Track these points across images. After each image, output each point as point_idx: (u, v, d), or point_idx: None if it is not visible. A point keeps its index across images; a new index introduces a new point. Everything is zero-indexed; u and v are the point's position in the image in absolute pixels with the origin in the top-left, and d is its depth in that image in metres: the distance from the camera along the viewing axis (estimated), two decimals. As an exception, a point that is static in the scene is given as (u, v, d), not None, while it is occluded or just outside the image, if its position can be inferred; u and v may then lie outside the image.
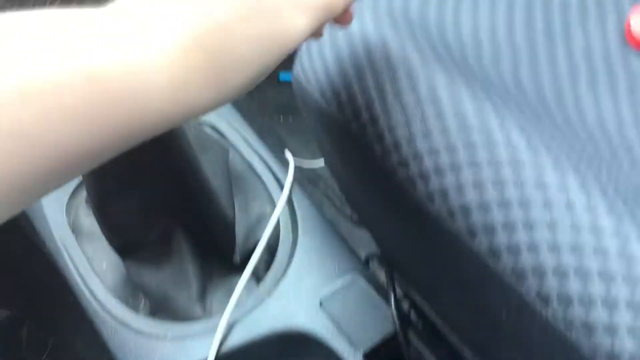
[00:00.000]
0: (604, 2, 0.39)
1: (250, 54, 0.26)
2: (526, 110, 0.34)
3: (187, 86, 0.24)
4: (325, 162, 0.50)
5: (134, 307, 0.46)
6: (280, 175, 0.54)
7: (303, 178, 0.64)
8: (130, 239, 0.46)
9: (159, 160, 0.43)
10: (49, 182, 0.22)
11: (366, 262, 0.48)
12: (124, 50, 0.23)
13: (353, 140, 0.37)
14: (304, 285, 0.44)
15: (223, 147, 0.52)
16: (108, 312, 0.46)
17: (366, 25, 0.39)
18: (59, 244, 0.50)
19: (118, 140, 0.24)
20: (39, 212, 0.52)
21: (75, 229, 0.51)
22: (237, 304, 0.44)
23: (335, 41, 0.39)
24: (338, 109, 0.37)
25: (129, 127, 0.24)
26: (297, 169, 0.56)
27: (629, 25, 0.37)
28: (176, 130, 0.43)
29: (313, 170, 0.85)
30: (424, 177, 0.32)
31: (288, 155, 0.55)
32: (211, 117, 0.57)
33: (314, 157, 0.80)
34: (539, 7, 0.39)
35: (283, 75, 1.09)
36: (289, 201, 0.50)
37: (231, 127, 0.57)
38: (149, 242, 0.46)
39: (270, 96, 1.06)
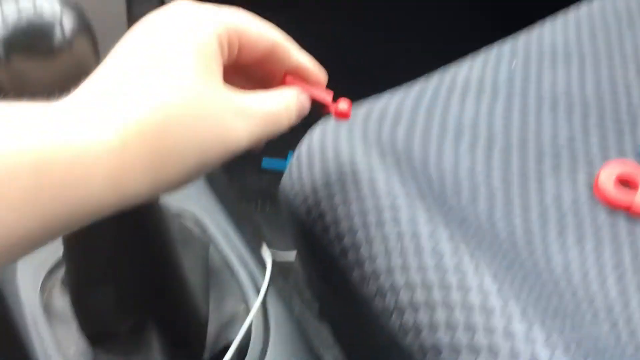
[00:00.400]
0: (577, 155, 0.42)
1: (190, 152, 0.27)
2: (499, 254, 0.36)
3: (126, 177, 0.26)
4: (301, 266, 0.51)
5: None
6: (256, 272, 0.55)
7: (275, 268, 0.65)
8: (102, 329, 0.46)
9: (141, 254, 0.44)
10: None
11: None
12: (67, 140, 0.24)
13: (333, 260, 0.39)
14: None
15: (204, 242, 0.53)
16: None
17: (355, 151, 0.41)
18: (30, 322, 0.50)
19: (56, 226, 0.25)
20: (13, 287, 0.52)
21: (48, 309, 0.51)
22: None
23: (325, 162, 0.41)
24: (322, 230, 0.39)
25: (69, 214, 0.25)
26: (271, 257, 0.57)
27: (597, 180, 0.41)
28: (159, 226, 0.44)
29: (284, 263, 0.86)
30: (400, 310, 0.33)
31: (265, 254, 0.57)
32: (194, 208, 0.59)
33: (288, 247, 0.82)
34: (515, 153, 0.42)
35: (265, 162, 1.12)
36: (263, 302, 0.51)
37: (212, 219, 0.58)
38: (120, 333, 0.46)
39: (250, 182, 1.08)
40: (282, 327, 0.50)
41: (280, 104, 0.31)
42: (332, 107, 0.34)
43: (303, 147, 0.44)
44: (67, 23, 0.31)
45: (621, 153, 0.43)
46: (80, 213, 0.25)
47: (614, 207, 0.40)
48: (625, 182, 0.41)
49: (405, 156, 0.42)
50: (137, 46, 0.29)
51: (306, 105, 0.34)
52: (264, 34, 0.32)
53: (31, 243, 0.24)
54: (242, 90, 0.30)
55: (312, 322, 0.74)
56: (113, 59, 0.29)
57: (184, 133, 0.27)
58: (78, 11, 0.32)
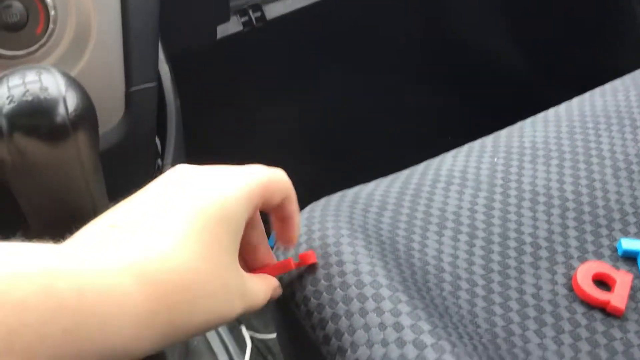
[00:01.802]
0: (555, 252, 0.43)
1: (194, 325, 0.28)
2: (479, 348, 0.36)
3: (146, 334, 0.26)
4: (281, 351, 0.51)
5: None
6: (235, 353, 0.55)
7: (254, 348, 0.64)
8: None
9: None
10: None
11: None
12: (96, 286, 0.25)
13: (315, 346, 0.39)
14: None
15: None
16: None
17: (341, 237, 0.42)
18: None
19: None
20: None
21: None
22: None
23: (311, 246, 0.42)
24: (306, 315, 0.39)
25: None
26: (250, 339, 0.57)
27: (575, 278, 0.42)
28: None
29: (263, 341, 0.85)
30: (379, 402, 0.33)
31: (245, 334, 0.57)
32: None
33: (267, 328, 0.81)
34: (496, 247, 0.44)
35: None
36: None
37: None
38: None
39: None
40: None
41: (266, 291, 0.35)
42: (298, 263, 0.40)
43: (290, 230, 0.45)
44: (71, 100, 0.32)
45: (597, 254, 0.44)
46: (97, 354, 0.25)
47: (591, 305, 0.41)
48: (601, 282, 0.42)
49: (390, 245, 0.43)
50: (178, 207, 0.30)
51: (279, 292, 0.38)
52: (283, 186, 0.35)
53: None
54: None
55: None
56: (145, 204, 0.30)
57: (202, 296, 0.28)
58: (81, 90, 0.34)
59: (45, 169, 0.33)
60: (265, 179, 0.33)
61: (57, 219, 0.36)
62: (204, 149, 1.20)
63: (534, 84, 1.26)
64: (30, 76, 0.32)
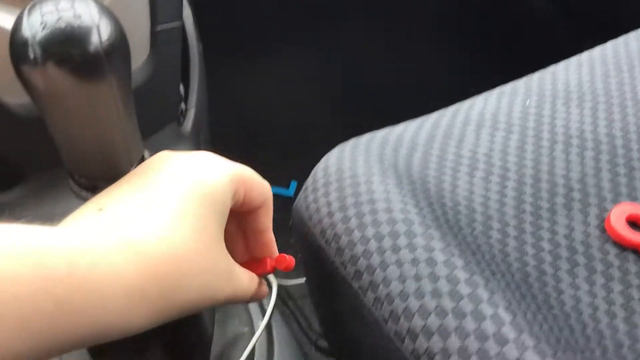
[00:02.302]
0: (588, 195, 0.43)
1: (185, 302, 0.28)
2: (511, 285, 0.36)
3: (138, 308, 0.26)
4: (309, 288, 0.51)
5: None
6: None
7: (278, 292, 0.65)
8: (106, 346, 0.46)
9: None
10: None
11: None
12: (86, 262, 0.25)
13: (346, 282, 0.39)
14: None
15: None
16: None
17: (372, 176, 0.42)
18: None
19: (62, 345, 0.25)
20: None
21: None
22: None
23: (342, 186, 0.42)
24: (337, 251, 0.39)
25: (80, 337, 0.25)
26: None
27: (608, 219, 0.41)
28: None
29: (285, 287, 0.86)
30: (413, 335, 0.34)
31: (271, 277, 0.57)
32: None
33: (289, 275, 0.82)
34: (528, 189, 0.43)
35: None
36: (268, 324, 0.51)
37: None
38: (123, 348, 0.46)
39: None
40: (286, 350, 0.50)
41: (251, 284, 0.34)
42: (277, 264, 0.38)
43: (319, 169, 0.44)
44: (104, 29, 0.32)
45: (631, 197, 0.43)
46: (91, 333, 0.26)
47: (624, 246, 0.40)
48: (635, 223, 0.42)
49: (421, 184, 0.42)
50: (168, 184, 0.30)
51: (263, 292, 0.37)
52: (264, 189, 0.35)
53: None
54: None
55: (309, 351, 0.74)
56: (131, 187, 0.31)
57: (192, 271, 0.28)
58: (115, 20, 0.33)
59: (78, 98, 0.32)
60: (249, 173, 0.34)
61: (90, 154, 0.36)
62: (224, 97, 1.19)
63: (562, 34, 1.23)
64: (63, 3, 0.32)
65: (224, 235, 0.32)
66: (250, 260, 0.37)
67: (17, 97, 0.53)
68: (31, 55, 0.31)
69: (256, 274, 0.36)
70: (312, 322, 0.83)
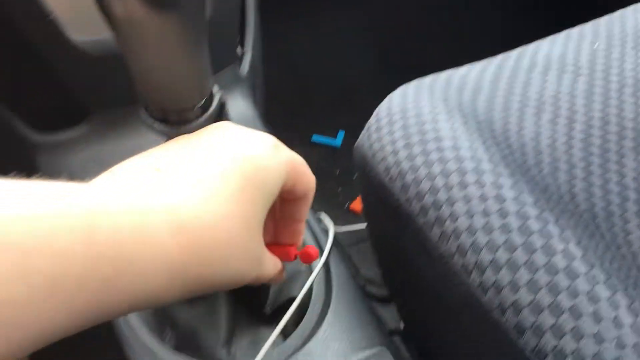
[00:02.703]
0: (659, 137, 0.42)
1: (218, 280, 0.28)
2: (580, 223, 0.36)
3: (176, 285, 0.26)
4: (370, 227, 0.52)
5: (160, 337, 0.47)
6: (318, 234, 0.56)
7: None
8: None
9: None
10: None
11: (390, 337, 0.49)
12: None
13: (411, 219, 0.39)
14: (332, 349, 0.45)
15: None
16: (136, 337, 0.47)
17: (438, 115, 0.42)
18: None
19: (103, 313, 0.25)
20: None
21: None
22: (264, 357, 0.45)
23: (406, 124, 0.42)
24: (401, 188, 0.40)
25: (116, 310, 0.25)
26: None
27: (680, 163, 0.40)
28: None
29: (337, 239, 0.87)
30: (480, 269, 0.34)
31: (326, 218, 0.58)
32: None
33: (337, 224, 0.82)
34: (596, 131, 0.42)
35: (315, 137, 1.12)
36: (326, 264, 0.52)
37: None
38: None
39: (299, 153, 1.09)
40: (344, 288, 0.51)
41: (274, 269, 0.34)
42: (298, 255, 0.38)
43: (382, 108, 0.44)
44: None
45: (703, 140, 0.43)
46: (128, 302, 0.25)
47: (695, 191, 0.40)
48: None
49: (487, 125, 0.42)
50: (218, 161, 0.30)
51: (281, 277, 0.37)
52: (310, 181, 0.34)
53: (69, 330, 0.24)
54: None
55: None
56: (186, 154, 0.30)
57: (232, 255, 0.28)
58: None
59: (155, 26, 0.33)
60: (301, 163, 0.33)
61: (164, 83, 0.36)
62: (277, 46, 1.19)
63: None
64: None
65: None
66: (275, 244, 0.38)
67: (84, 34, 0.53)
68: (112, -17, 0.31)
69: (279, 257, 0.36)
70: (359, 269, 0.84)
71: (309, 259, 0.40)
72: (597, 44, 0.49)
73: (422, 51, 1.21)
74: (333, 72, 1.20)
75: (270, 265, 0.33)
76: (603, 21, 0.53)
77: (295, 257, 0.38)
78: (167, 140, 0.39)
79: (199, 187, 0.28)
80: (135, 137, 0.56)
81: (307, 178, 0.34)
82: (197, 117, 0.39)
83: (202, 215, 0.27)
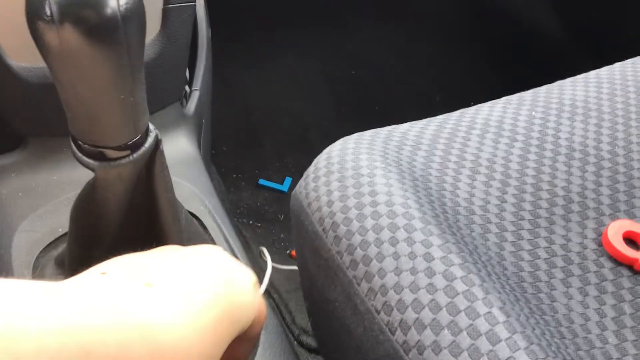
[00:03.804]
0: (587, 207, 0.43)
1: None
2: (506, 287, 0.36)
3: None
4: (302, 275, 0.51)
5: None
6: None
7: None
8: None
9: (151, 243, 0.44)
10: None
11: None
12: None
13: (341, 271, 0.39)
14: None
15: (206, 240, 0.53)
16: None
17: (375, 169, 0.42)
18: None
19: None
20: (5, 262, 0.51)
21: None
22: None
23: (343, 176, 0.42)
24: (334, 239, 0.39)
25: None
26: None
27: (605, 233, 0.41)
28: (174, 219, 0.44)
29: (271, 280, 0.86)
30: (404, 327, 0.33)
31: (266, 257, 0.57)
32: (198, 211, 0.58)
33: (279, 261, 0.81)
34: (528, 196, 0.43)
35: (261, 181, 1.12)
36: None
37: (215, 222, 0.58)
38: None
39: (245, 197, 1.08)
40: (271, 340, 0.49)
41: None
42: None
43: (322, 158, 0.44)
44: None
45: (629, 214, 0.44)
46: None
47: (619, 261, 0.41)
48: (631, 240, 0.42)
49: (423, 182, 0.42)
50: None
51: None
52: (262, 324, 0.33)
53: None
54: None
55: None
56: (171, 272, 0.29)
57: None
58: None
59: (91, 60, 0.32)
60: (265, 309, 0.33)
61: (97, 118, 0.35)
62: (227, 86, 1.19)
63: (570, 56, 1.24)
64: None
65: None
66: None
67: (23, 60, 0.52)
68: (47, 12, 0.31)
69: None
70: (295, 317, 0.82)
71: None
72: (534, 111, 0.51)
73: (377, 102, 1.23)
74: (283, 116, 1.20)
75: None
76: (542, 90, 0.54)
77: None
78: (95, 175, 0.38)
79: (187, 307, 0.27)
80: (69, 168, 0.54)
81: (262, 321, 0.33)
82: (129, 154, 0.38)
83: (180, 338, 0.26)
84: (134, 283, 0.28)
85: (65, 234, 0.52)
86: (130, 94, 0.35)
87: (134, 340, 0.25)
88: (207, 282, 0.29)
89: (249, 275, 0.32)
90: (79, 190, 0.41)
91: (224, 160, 1.11)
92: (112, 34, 0.32)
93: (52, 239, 0.52)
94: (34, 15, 0.31)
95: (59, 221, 0.53)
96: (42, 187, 0.54)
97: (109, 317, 0.25)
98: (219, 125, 0.83)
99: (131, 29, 0.33)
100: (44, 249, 0.52)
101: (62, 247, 0.51)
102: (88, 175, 0.39)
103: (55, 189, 0.53)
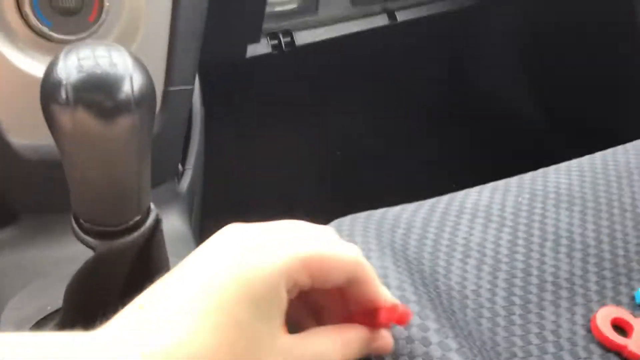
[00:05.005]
0: (575, 294, 0.44)
1: None
2: (501, 374, 0.37)
3: None
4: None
5: None
6: None
7: None
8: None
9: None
10: None
11: None
12: None
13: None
14: None
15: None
16: None
17: (370, 250, 0.43)
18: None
19: None
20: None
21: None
22: None
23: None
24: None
25: None
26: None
27: (594, 320, 0.42)
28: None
29: None
30: (402, 413, 0.34)
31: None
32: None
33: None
34: (518, 281, 0.44)
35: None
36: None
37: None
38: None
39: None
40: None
41: (338, 349, 0.31)
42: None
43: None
44: (137, 80, 0.33)
45: (616, 301, 0.45)
46: None
47: (608, 348, 0.41)
48: (619, 327, 0.43)
49: (416, 265, 0.43)
50: (196, 285, 0.28)
51: (370, 341, 0.33)
52: (345, 266, 0.30)
53: None
54: (292, 335, 0.30)
55: None
56: (165, 289, 0.29)
57: None
58: (146, 72, 0.34)
59: (102, 142, 0.33)
60: (318, 253, 0.30)
61: (102, 198, 0.36)
62: (219, 160, 1.20)
63: (548, 141, 1.28)
64: (100, 51, 0.33)
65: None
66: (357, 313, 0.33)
67: (21, 138, 0.53)
68: (63, 96, 0.32)
69: (366, 324, 0.32)
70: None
71: (401, 320, 0.34)
72: (520, 198, 0.52)
73: (359, 181, 1.25)
74: (270, 195, 1.21)
75: (325, 351, 0.30)
76: (527, 177, 0.56)
77: (388, 321, 0.33)
78: (95, 253, 0.39)
79: (178, 318, 0.26)
80: (63, 246, 0.54)
81: (337, 264, 0.30)
82: (130, 233, 0.38)
83: (181, 350, 0.25)
84: (129, 308, 0.28)
85: (55, 311, 0.51)
86: (137, 174, 0.36)
87: None
88: (205, 285, 0.27)
89: (259, 240, 0.29)
90: (71, 268, 0.41)
91: (209, 235, 1.11)
92: (125, 119, 0.33)
93: (41, 316, 0.52)
94: (49, 97, 0.33)
95: (48, 299, 0.52)
96: (33, 264, 0.54)
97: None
98: (208, 201, 0.84)
99: (143, 113, 0.34)
100: (32, 327, 0.52)
101: (50, 326, 0.50)
102: (81, 252, 0.39)
103: (47, 266, 0.53)
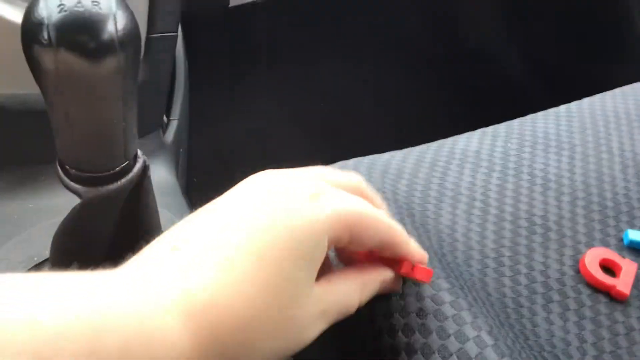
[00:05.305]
0: (564, 236, 0.44)
1: (265, 353, 0.26)
2: (491, 312, 0.37)
3: None
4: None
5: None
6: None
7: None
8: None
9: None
10: None
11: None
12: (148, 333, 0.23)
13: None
14: None
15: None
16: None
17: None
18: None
19: None
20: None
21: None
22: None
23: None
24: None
25: None
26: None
27: (582, 261, 0.43)
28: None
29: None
30: (395, 352, 0.34)
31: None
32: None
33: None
34: (507, 224, 0.44)
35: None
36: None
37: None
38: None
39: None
40: None
41: (352, 288, 0.31)
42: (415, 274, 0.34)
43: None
44: (121, 19, 0.32)
45: (604, 242, 0.45)
46: None
47: (596, 288, 0.42)
48: (607, 268, 0.43)
49: (407, 210, 0.43)
50: (236, 227, 0.27)
51: (385, 282, 0.33)
52: (381, 229, 0.30)
53: None
54: (321, 281, 0.29)
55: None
56: (205, 225, 0.28)
57: (261, 337, 0.26)
58: (130, 12, 0.33)
59: (86, 84, 0.32)
60: (358, 212, 0.29)
61: (87, 143, 0.35)
62: (199, 117, 1.19)
63: (530, 92, 1.28)
64: None
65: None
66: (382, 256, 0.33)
67: (4, 88, 0.52)
68: (45, 36, 0.31)
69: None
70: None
71: (426, 277, 0.34)
72: (509, 143, 0.52)
73: (344, 134, 1.25)
74: (256, 151, 1.21)
75: (350, 295, 0.30)
76: (515, 123, 0.56)
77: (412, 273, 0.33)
78: (81, 200, 0.38)
79: (218, 266, 0.25)
80: (48, 197, 0.54)
81: (374, 225, 0.30)
82: (117, 179, 0.38)
83: (219, 300, 0.25)
84: (161, 250, 0.27)
85: (41, 262, 0.51)
86: (123, 119, 0.35)
87: (165, 320, 0.24)
88: (247, 226, 0.27)
89: (303, 190, 0.28)
90: (57, 218, 0.41)
91: (196, 192, 1.10)
92: (109, 59, 0.32)
93: (27, 267, 0.51)
94: (30, 38, 0.31)
95: (34, 250, 0.52)
96: (18, 215, 0.53)
97: (130, 298, 0.24)
98: (195, 154, 0.83)
99: (128, 54, 0.33)
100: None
101: (38, 276, 0.50)
102: (66, 202, 0.39)
103: (32, 217, 0.53)
